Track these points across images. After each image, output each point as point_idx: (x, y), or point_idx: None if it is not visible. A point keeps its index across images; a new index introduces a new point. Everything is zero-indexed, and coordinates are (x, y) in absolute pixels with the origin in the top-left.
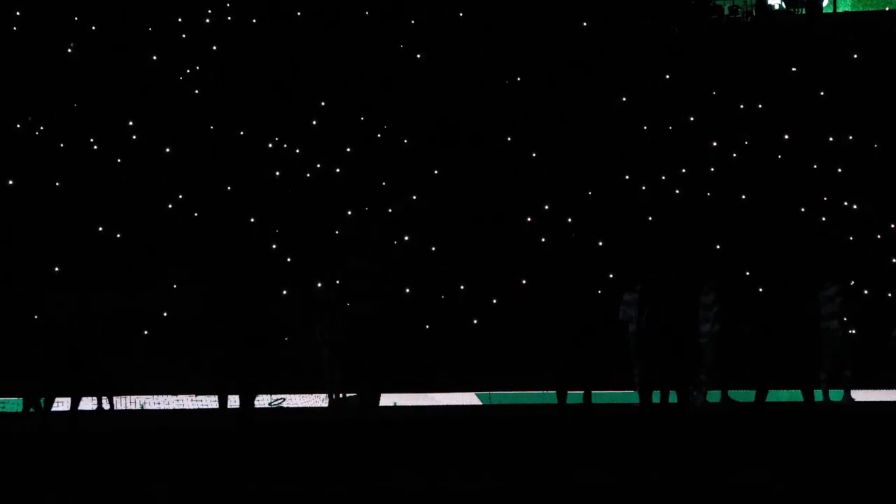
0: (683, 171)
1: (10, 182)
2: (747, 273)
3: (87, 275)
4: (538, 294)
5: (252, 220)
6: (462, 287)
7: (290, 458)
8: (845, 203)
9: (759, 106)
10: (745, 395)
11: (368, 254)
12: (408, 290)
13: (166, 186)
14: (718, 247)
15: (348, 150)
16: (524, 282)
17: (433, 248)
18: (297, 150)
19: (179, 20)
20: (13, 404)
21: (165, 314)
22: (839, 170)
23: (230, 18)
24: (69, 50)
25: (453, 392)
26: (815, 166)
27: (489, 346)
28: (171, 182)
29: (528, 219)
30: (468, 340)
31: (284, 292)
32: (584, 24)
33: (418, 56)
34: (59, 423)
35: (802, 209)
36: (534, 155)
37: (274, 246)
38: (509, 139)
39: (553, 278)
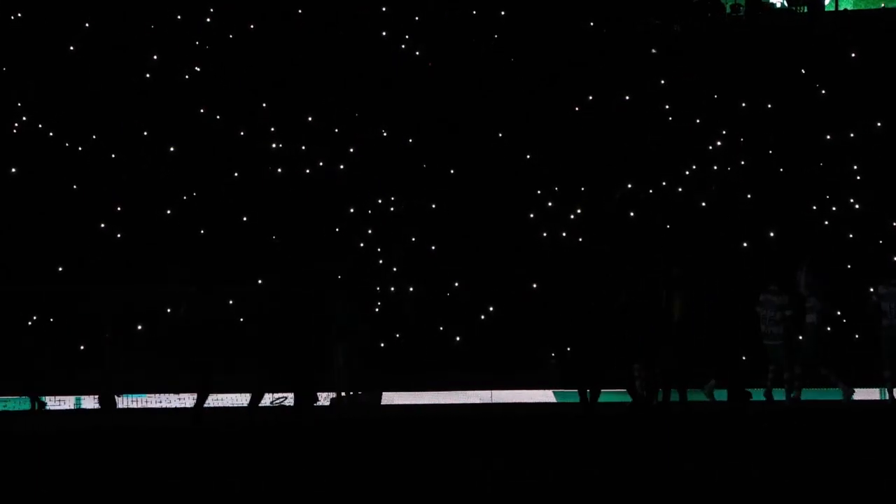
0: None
1: (13, 171)
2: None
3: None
4: (539, 294)
5: (252, 219)
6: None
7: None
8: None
9: (761, 104)
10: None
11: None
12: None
13: (166, 185)
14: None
15: (351, 150)
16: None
17: (433, 247)
18: (296, 149)
19: (179, 19)
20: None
21: (167, 313)
22: None
23: (230, 19)
24: (70, 49)
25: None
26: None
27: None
28: (172, 181)
29: (531, 215)
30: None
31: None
32: (585, 24)
33: (417, 54)
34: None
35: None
36: (537, 153)
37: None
38: (509, 139)
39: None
